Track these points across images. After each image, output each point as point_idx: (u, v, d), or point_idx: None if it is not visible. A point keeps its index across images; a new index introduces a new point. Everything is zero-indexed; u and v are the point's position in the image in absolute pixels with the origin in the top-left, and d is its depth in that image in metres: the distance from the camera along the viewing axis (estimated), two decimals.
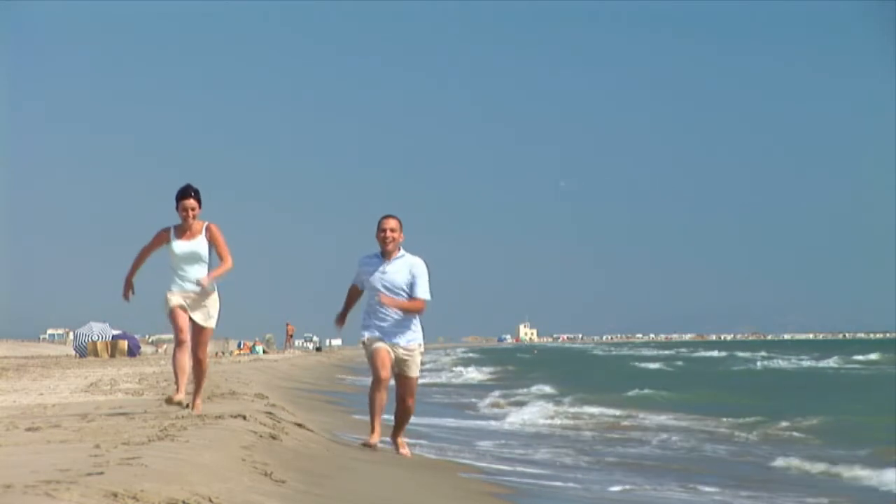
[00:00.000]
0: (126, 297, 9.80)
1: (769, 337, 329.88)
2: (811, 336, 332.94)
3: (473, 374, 41.62)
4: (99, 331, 47.45)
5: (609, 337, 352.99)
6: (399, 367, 9.33)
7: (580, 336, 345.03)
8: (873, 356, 60.73)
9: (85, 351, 46.12)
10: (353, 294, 9.53)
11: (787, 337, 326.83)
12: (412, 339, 9.33)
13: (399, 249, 9.27)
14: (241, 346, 64.46)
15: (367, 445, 9.34)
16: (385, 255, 9.21)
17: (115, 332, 47.25)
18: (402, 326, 9.25)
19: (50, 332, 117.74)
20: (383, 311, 9.15)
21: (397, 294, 9.15)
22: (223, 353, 56.64)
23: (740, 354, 72.97)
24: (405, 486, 7.78)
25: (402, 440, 9.68)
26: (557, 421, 18.09)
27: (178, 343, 9.68)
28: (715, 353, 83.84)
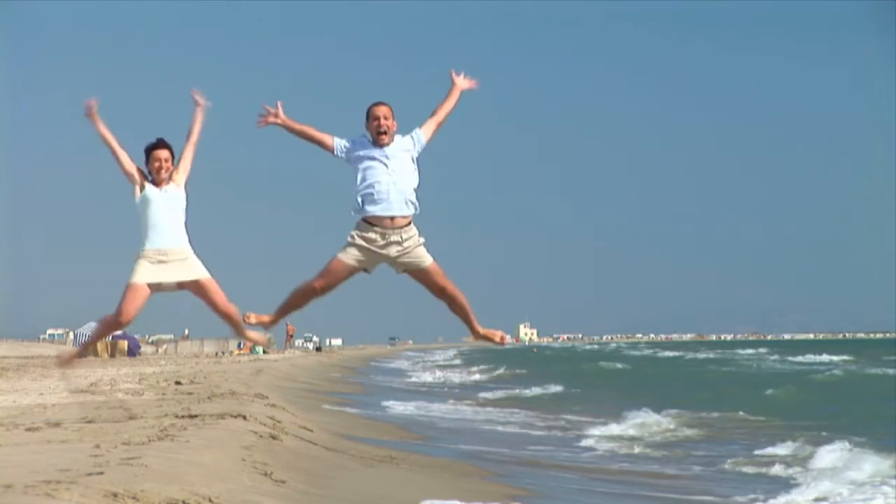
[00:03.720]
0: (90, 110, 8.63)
1: (769, 337, 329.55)
2: (811, 336, 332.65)
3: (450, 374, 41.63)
4: None
5: (609, 337, 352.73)
6: (405, 264, 8.06)
7: (580, 336, 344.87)
8: (826, 356, 61.23)
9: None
10: (317, 133, 8.21)
11: (787, 337, 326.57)
12: (411, 221, 8.08)
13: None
14: (241, 346, 64.43)
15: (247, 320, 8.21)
16: (380, 144, 8.05)
17: (115, 333, 47.23)
18: (403, 202, 8.03)
19: (50, 332, 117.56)
20: (386, 186, 7.96)
21: (407, 174, 8.06)
22: (223, 352, 56.64)
23: (689, 356, 73.75)
24: (406, 486, 7.78)
25: (484, 329, 8.33)
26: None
27: (117, 314, 8.44)
28: (669, 354, 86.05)
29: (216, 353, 53.88)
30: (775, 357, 65.06)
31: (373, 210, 8.00)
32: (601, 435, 15.18)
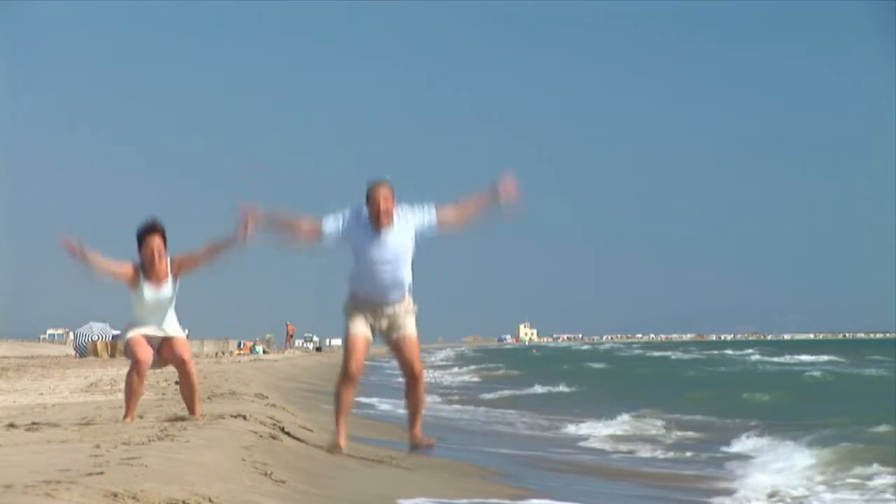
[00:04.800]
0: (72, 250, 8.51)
1: (769, 337, 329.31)
2: (811, 336, 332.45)
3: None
4: (99, 331, 47.50)
5: (609, 337, 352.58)
6: (391, 330, 8.15)
7: (580, 336, 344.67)
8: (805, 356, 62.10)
9: (85, 351, 46.16)
10: (306, 226, 7.97)
11: (787, 337, 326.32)
12: (405, 297, 8.14)
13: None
14: (241, 346, 64.53)
15: (332, 451, 8.30)
16: (378, 227, 7.91)
17: (115, 333, 47.29)
18: (398, 287, 8.07)
19: (50, 332, 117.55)
20: (379, 274, 7.97)
21: (403, 261, 7.98)
22: (223, 353, 56.64)
23: (675, 357, 74.77)
24: (407, 486, 7.77)
25: (420, 432, 8.35)
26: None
27: (136, 365, 8.74)
28: (657, 354, 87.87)
29: (216, 353, 53.88)
30: (758, 357, 66.49)
31: (364, 292, 8.02)
32: (598, 435, 15.35)
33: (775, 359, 62.31)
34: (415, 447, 8.50)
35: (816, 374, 38.55)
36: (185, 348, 8.99)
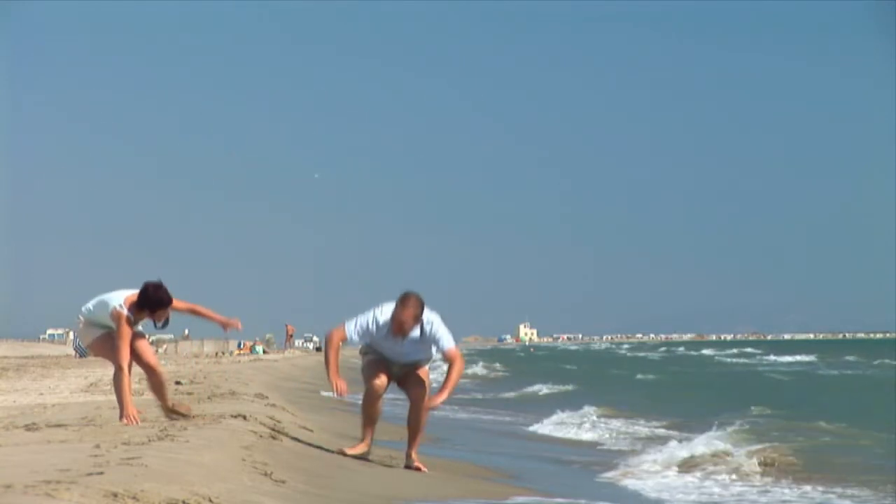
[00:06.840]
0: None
1: (769, 337, 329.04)
2: (811, 336, 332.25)
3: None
4: None
5: (609, 337, 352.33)
6: (404, 374, 8.83)
7: (580, 336, 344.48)
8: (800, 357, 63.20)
9: (85, 351, 46.08)
10: (338, 345, 8.76)
11: (787, 337, 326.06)
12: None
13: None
14: (241, 346, 64.48)
15: (344, 453, 8.73)
16: (395, 334, 8.58)
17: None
18: (412, 365, 8.83)
19: (50, 332, 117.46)
20: (394, 361, 8.76)
21: (416, 357, 8.76)
22: (223, 353, 56.61)
23: (653, 356, 76.02)
24: (407, 486, 7.77)
25: (416, 455, 8.80)
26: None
27: (118, 363, 9.10)
28: (641, 354, 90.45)
29: (216, 353, 53.85)
30: (728, 360, 67.76)
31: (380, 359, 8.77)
32: (601, 436, 15.46)
33: (747, 360, 63.50)
34: (408, 466, 8.80)
35: (772, 374, 40.35)
36: (148, 349, 9.36)
